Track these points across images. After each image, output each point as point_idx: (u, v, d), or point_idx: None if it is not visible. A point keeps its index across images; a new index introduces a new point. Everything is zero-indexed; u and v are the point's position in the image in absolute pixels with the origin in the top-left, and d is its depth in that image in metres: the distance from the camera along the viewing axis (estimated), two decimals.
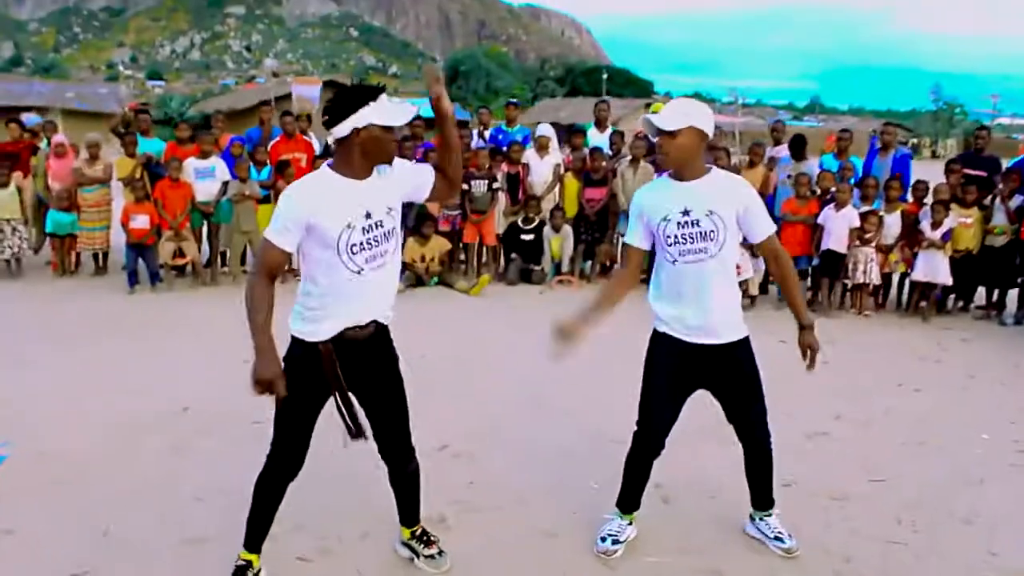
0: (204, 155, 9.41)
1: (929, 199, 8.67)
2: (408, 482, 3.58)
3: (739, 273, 8.19)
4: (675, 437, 3.96)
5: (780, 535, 3.88)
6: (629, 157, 9.62)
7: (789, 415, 5.63)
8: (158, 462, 4.72)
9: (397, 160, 3.18)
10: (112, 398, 5.73)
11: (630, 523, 3.91)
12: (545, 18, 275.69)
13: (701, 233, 3.46)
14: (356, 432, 3.26)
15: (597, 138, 10.35)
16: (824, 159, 9.40)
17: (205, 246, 9.85)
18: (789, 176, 9.01)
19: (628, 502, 3.90)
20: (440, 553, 3.63)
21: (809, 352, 3.86)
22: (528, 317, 8.40)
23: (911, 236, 8.53)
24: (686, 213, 3.44)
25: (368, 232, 3.06)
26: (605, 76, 75.04)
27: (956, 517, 4.22)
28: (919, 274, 8.47)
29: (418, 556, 3.63)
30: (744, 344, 3.72)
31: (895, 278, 9.01)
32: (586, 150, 10.00)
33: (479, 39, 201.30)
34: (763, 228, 3.57)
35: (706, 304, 3.58)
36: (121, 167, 9.56)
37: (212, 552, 3.70)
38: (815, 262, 8.71)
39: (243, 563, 3.40)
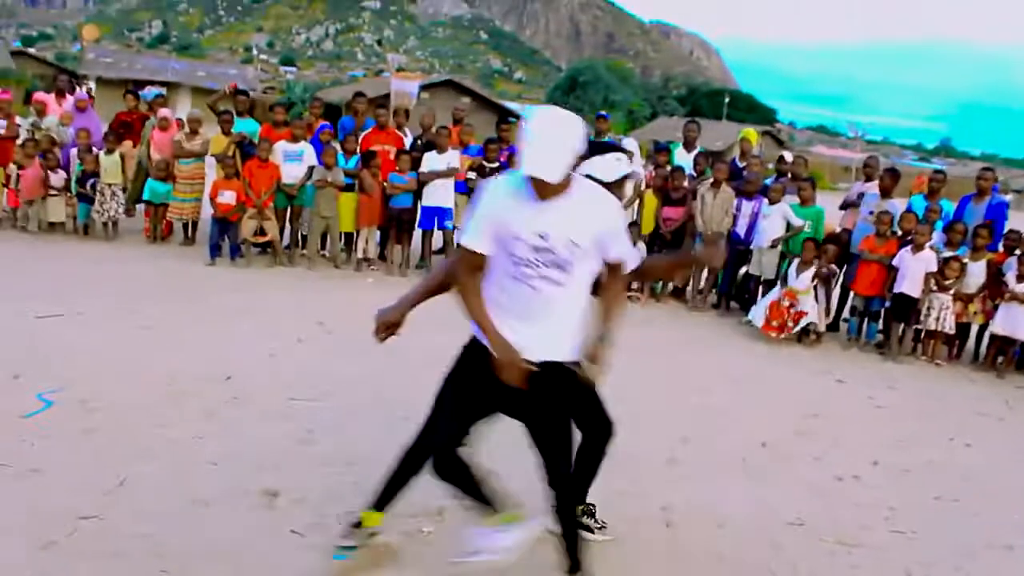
0: (295, 139, 9.72)
1: (1019, 250, 8.27)
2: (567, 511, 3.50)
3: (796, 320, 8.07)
4: (695, 463, 3.91)
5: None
6: (711, 180, 9.49)
7: (823, 455, 5.52)
8: (187, 424, 4.92)
9: (613, 209, 3.18)
10: (162, 359, 6.00)
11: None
12: (675, 36, 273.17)
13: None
14: None
15: (683, 158, 10.25)
16: (913, 200, 9.08)
17: (288, 227, 10.17)
18: (871, 212, 8.74)
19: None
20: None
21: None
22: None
23: (994, 287, 8.16)
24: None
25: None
26: (727, 100, 73.97)
27: None
28: (998, 327, 8.10)
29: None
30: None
31: (974, 329, 8.62)
32: (668, 168, 9.92)
33: (607, 52, 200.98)
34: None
35: None
36: (216, 143, 9.97)
37: (214, 515, 3.86)
38: (887, 304, 8.42)
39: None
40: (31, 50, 68.25)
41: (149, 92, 12.51)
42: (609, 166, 3.46)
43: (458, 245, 3.16)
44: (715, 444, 5.50)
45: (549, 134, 2.90)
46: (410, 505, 4.10)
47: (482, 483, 3.35)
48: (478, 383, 3.21)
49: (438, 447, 3.31)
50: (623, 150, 3.52)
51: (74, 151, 10.28)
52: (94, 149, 10.19)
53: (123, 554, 3.50)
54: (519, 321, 3.11)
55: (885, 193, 8.94)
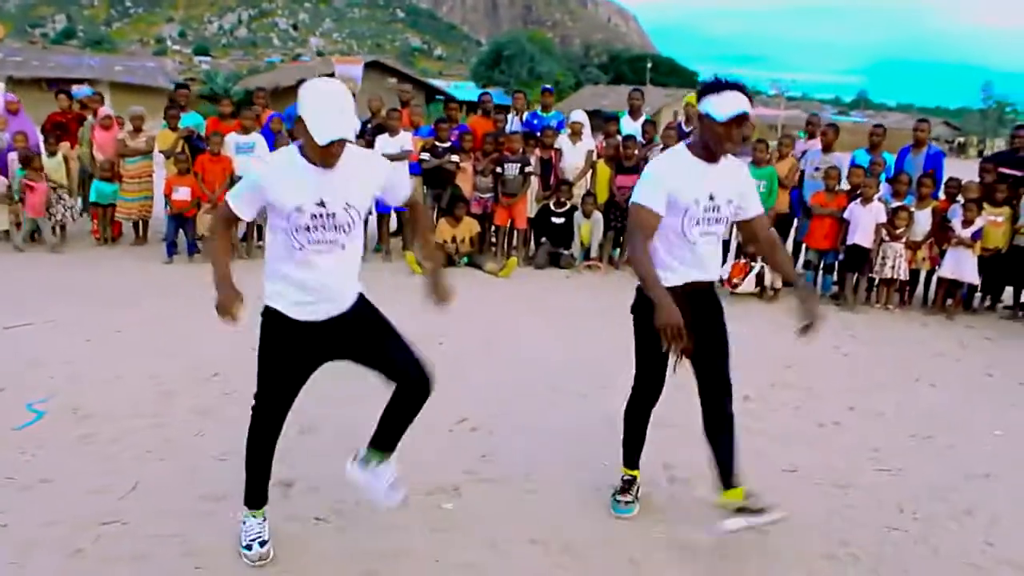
0: (245, 131, 9.62)
1: (961, 197, 8.64)
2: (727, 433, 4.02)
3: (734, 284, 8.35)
4: (685, 422, 4.07)
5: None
6: (661, 146, 9.68)
7: (802, 404, 5.76)
8: (186, 423, 4.93)
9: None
10: (144, 361, 5.96)
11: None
12: (592, 5, 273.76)
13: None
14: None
15: (630, 126, 10.42)
16: (856, 154, 9.40)
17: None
18: (818, 169, 9.04)
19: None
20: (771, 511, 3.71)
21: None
22: (553, 301, 8.54)
23: (940, 233, 8.52)
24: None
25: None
26: (649, 65, 74.68)
27: (958, 508, 4.30)
28: (946, 272, 8.47)
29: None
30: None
31: (922, 275, 8.99)
32: (619, 138, 10.08)
33: (525, 24, 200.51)
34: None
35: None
36: (162, 140, 9.81)
37: (233, 509, 3.89)
38: (841, 256, 8.74)
39: None
40: None
41: (81, 91, 12.24)
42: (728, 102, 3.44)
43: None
44: (699, 402, 5.67)
45: (336, 100, 3.12)
46: (427, 484, 4.24)
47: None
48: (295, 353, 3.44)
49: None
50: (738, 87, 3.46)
51: (12, 155, 10.02)
52: (40, 153, 9.95)
53: (153, 555, 3.52)
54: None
55: (827, 148, 9.26)
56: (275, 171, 3.27)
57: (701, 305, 3.75)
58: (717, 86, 3.45)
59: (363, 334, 3.46)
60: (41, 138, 10.61)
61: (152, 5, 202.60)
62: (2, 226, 9.95)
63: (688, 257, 3.64)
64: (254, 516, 3.59)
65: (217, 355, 6.14)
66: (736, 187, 3.66)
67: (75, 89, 12.43)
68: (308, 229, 3.23)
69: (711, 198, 3.54)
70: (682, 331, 3.35)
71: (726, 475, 3.81)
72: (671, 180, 3.51)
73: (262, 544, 3.51)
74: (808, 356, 6.95)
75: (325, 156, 3.14)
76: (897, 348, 7.36)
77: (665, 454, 4.72)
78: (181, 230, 9.40)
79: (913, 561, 3.77)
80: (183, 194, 9.25)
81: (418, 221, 3.96)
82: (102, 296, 7.77)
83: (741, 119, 3.41)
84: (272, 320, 3.39)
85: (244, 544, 3.52)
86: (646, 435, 4.06)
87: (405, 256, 9.65)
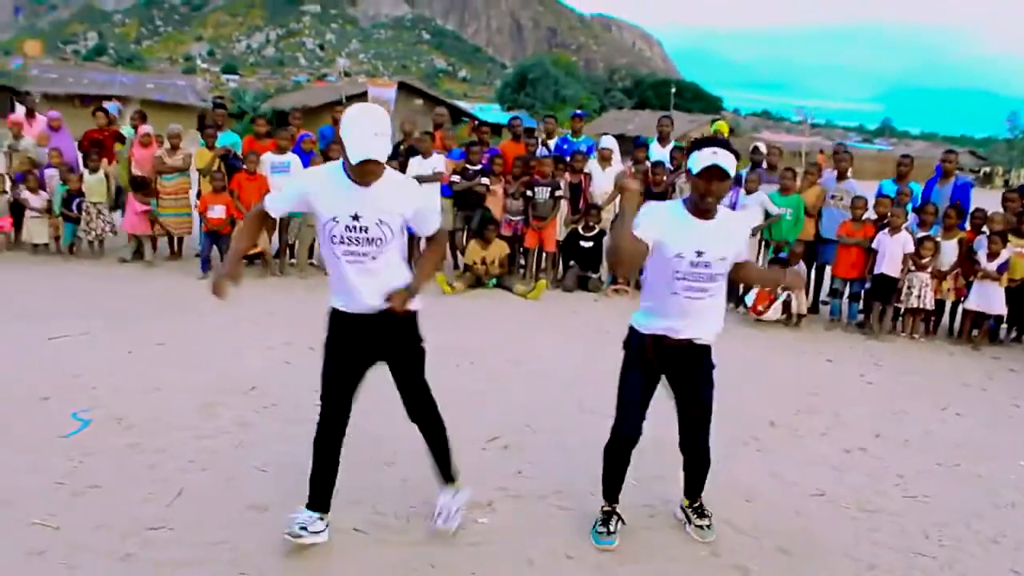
0: (280, 150, 9.82)
1: (987, 228, 8.69)
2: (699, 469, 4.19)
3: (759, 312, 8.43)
4: (711, 443, 4.15)
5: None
6: None
7: (828, 430, 5.83)
8: (226, 434, 5.06)
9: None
10: (182, 373, 6.11)
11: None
12: (616, 29, 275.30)
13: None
14: None
15: (659, 152, 10.54)
16: (883, 184, 9.48)
17: (276, 238, 10.26)
18: (833, 196, 9.15)
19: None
20: (709, 527, 4.12)
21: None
22: (581, 323, 8.64)
23: (966, 264, 8.56)
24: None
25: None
26: (673, 90, 74.87)
27: (983, 536, 4.36)
28: (972, 304, 8.51)
29: (690, 523, 4.17)
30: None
31: (948, 305, 9.03)
32: (648, 163, 10.20)
33: (549, 47, 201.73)
34: None
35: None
36: (200, 157, 10.03)
37: (276, 519, 4.01)
38: (867, 285, 8.80)
39: None
40: None
41: (110, 107, 12.52)
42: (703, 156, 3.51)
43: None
44: (725, 427, 5.70)
45: (372, 124, 3.41)
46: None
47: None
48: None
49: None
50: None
51: (52, 171, 10.28)
52: (79, 169, 10.19)
53: (201, 562, 3.65)
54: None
55: (842, 175, 9.38)
56: (319, 180, 3.64)
57: (687, 362, 3.88)
58: (702, 143, 3.57)
59: (398, 352, 3.83)
60: (80, 155, 10.85)
61: (182, 24, 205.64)
62: (42, 239, 10.20)
63: (672, 310, 3.71)
64: (310, 511, 3.81)
65: (253, 369, 6.29)
66: (732, 244, 3.71)
67: (106, 105, 12.75)
68: (342, 241, 3.55)
69: (699, 254, 3.59)
70: (637, 190, 3.41)
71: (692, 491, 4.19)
72: (662, 226, 3.54)
73: (302, 528, 3.73)
74: (834, 383, 7.04)
75: (360, 175, 3.45)
76: (923, 377, 7.40)
77: None
78: (215, 246, 9.59)
79: None
80: (218, 212, 9.44)
81: (431, 252, 4.00)
82: (138, 308, 7.96)
83: (712, 171, 3.46)
84: (329, 316, 3.80)
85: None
86: (626, 472, 4.07)
87: (435, 277, 9.80)
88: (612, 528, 4.05)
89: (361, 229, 3.54)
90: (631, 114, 60.49)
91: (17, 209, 10.24)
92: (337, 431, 3.81)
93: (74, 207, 10.03)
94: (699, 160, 3.48)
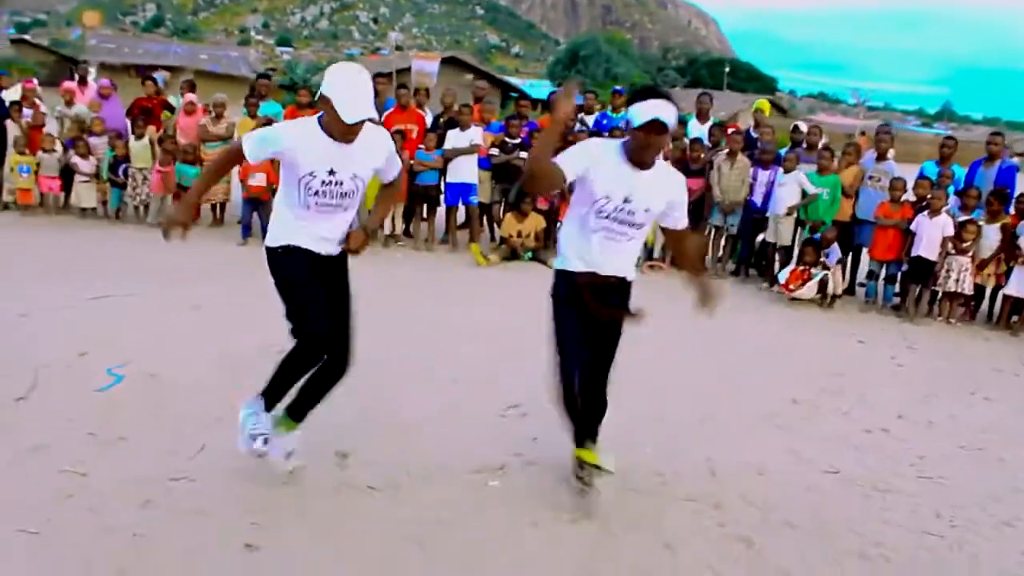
0: None
1: None
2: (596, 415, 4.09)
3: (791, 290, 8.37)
4: (732, 420, 4.17)
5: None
6: (727, 150, 9.73)
7: (851, 410, 5.81)
8: (252, 393, 5.18)
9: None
10: (216, 335, 6.28)
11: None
12: (672, 7, 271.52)
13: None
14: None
15: (697, 129, 10.48)
16: (925, 166, 9.32)
17: None
18: (871, 177, 9.03)
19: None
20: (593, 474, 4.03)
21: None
22: None
23: (1009, 250, 8.41)
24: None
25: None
26: (727, 70, 73.94)
27: (997, 519, 4.33)
28: (1012, 289, 8.36)
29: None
30: None
31: (988, 290, 8.88)
32: (686, 140, 10.15)
33: (604, 24, 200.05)
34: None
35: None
36: (242, 127, 10.20)
37: (293, 475, 4.14)
38: (904, 267, 8.68)
39: None
40: (27, 37, 68.15)
41: (157, 76, 12.75)
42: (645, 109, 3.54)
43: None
44: (747, 403, 5.79)
45: (363, 83, 3.57)
46: (473, 462, 4.44)
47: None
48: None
49: None
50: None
51: (96, 139, 10.50)
52: (127, 135, 10.43)
53: (216, 511, 3.78)
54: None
55: (882, 156, 9.25)
56: (298, 133, 3.70)
57: (617, 298, 3.98)
58: (643, 94, 3.58)
59: (334, 286, 3.97)
60: (128, 122, 11.09)
61: None
62: (90, 203, 10.48)
63: (587, 250, 3.82)
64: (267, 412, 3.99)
65: (284, 334, 6.40)
66: (663, 197, 3.76)
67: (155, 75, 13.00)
68: (316, 194, 3.68)
69: (626, 200, 3.67)
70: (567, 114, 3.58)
71: (582, 437, 4.07)
72: (591, 165, 3.63)
73: (266, 441, 3.90)
74: (862, 364, 7.00)
75: (347, 133, 3.57)
76: (955, 361, 7.31)
77: (707, 447, 4.86)
78: (256, 213, 9.77)
79: (946, 566, 3.83)
80: (259, 180, 9.61)
81: (388, 195, 4.19)
82: (178, 272, 8.15)
83: (653, 125, 3.48)
84: (283, 252, 3.83)
85: (249, 434, 3.92)
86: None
87: (470, 248, 9.88)
88: (587, 480, 4.05)
89: (336, 183, 3.69)
90: (683, 92, 59.39)
91: (67, 173, 10.51)
92: (326, 350, 3.91)
93: (120, 172, 10.27)
94: (641, 113, 3.50)
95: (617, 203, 3.67)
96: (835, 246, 8.75)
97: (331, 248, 3.86)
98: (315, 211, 3.73)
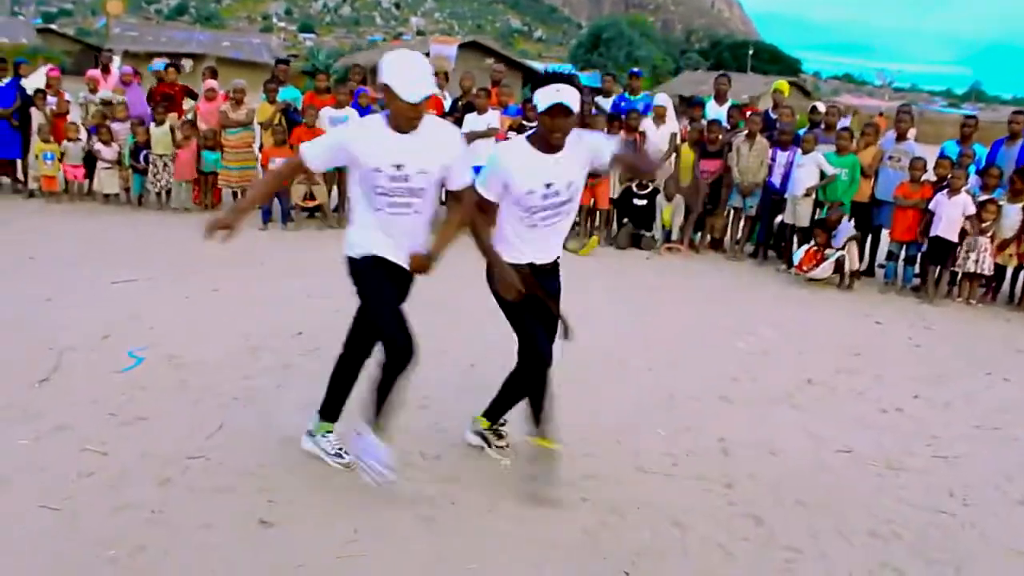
0: (339, 105, 10.01)
1: None
2: (539, 387, 4.05)
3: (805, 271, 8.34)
4: (746, 400, 4.19)
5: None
6: (746, 131, 9.69)
7: (867, 390, 5.80)
8: (269, 375, 5.29)
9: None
10: (236, 318, 6.37)
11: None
12: None
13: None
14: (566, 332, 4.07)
15: (715, 111, 10.43)
16: (945, 145, 9.23)
17: (335, 191, 10.49)
18: (891, 157, 8.96)
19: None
20: (507, 446, 4.19)
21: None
22: (632, 280, 8.68)
23: None
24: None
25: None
26: (751, 52, 73.26)
27: (1011, 498, 4.32)
28: None
29: (489, 445, 4.24)
30: None
31: (1009, 271, 8.79)
32: (704, 122, 10.11)
33: (626, 7, 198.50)
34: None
35: None
36: (261, 112, 10.27)
37: (307, 454, 4.21)
38: (924, 247, 8.63)
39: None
40: (54, 26, 68.76)
41: (157, 64, 12.87)
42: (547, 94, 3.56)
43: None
44: (763, 382, 5.80)
45: (418, 63, 3.51)
46: None
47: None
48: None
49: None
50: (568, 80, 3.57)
51: (118, 126, 10.61)
52: (149, 122, 10.54)
53: (232, 488, 3.86)
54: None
55: (901, 136, 9.17)
56: (360, 131, 3.68)
57: (551, 280, 4.07)
58: (545, 80, 3.59)
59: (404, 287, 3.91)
60: (149, 108, 11.19)
61: None
62: (113, 189, 10.61)
63: (531, 239, 3.84)
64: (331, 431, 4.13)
65: (302, 316, 6.51)
66: (579, 165, 3.80)
67: (153, 63, 13.16)
68: (385, 193, 3.60)
69: (548, 186, 3.71)
70: (521, 292, 3.70)
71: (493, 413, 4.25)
72: (508, 169, 3.68)
73: (346, 453, 4.04)
74: (880, 345, 6.98)
75: (414, 116, 3.50)
76: (974, 342, 7.26)
77: (720, 427, 4.88)
78: (276, 199, 9.85)
79: (956, 543, 3.83)
80: (279, 165, 9.66)
81: (455, 213, 3.86)
82: (199, 257, 8.23)
83: (556, 109, 3.51)
84: (362, 262, 3.76)
85: (333, 452, 4.10)
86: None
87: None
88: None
89: (403, 178, 3.60)
90: (705, 75, 59.28)
91: (90, 160, 10.64)
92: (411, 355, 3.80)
93: (141, 159, 10.38)
94: (543, 98, 3.54)
95: (542, 192, 3.72)
96: (846, 225, 8.70)
97: (406, 257, 3.79)
98: (387, 213, 3.66)
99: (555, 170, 3.72)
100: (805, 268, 8.62)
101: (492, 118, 9.95)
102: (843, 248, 8.54)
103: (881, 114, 10.08)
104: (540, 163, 3.71)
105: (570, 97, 3.52)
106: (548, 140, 3.66)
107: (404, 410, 4.33)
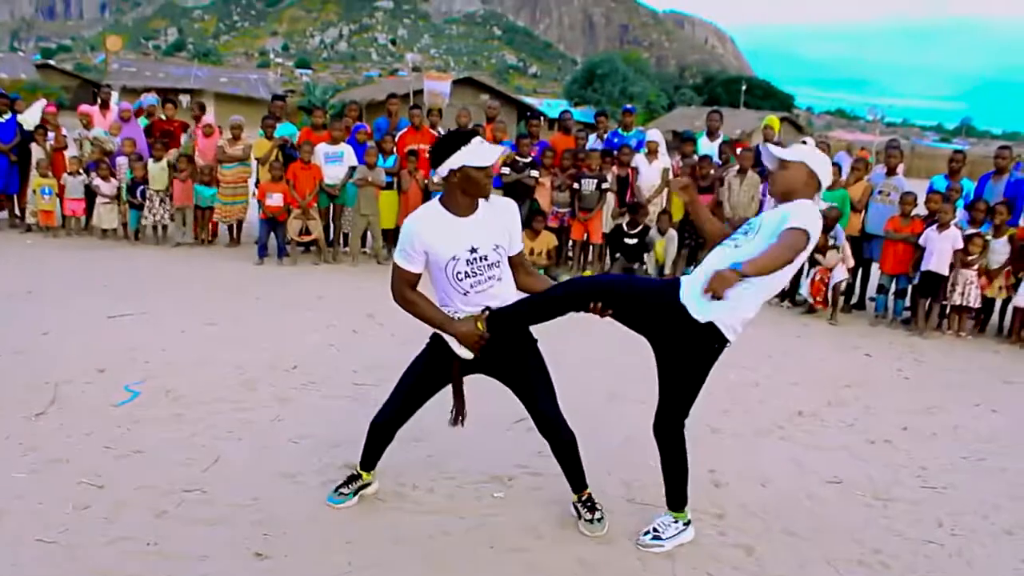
0: (334, 141, 10.13)
1: None
2: (563, 451, 4.03)
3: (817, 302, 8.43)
4: (736, 432, 4.24)
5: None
6: (737, 167, 9.82)
7: (856, 422, 5.86)
8: (264, 408, 5.33)
9: (511, 208, 3.77)
10: (232, 352, 6.41)
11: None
12: (689, 26, 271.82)
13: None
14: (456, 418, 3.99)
15: (707, 147, 10.58)
16: (934, 180, 9.38)
17: (331, 226, 10.59)
18: (880, 192, 9.10)
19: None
20: (600, 519, 4.02)
21: None
22: None
23: (1018, 262, 8.43)
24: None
25: (472, 264, 3.61)
26: (744, 87, 73.95)
27: (998, 527, 4.37)
28: (1021, 301, 8.38)
29: (580, 518, 4.07)
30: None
31: (998, 303, 8.89)
32: (695, 157, 10.25)
33: (621, 43, 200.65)
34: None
35: None
36: (258, 148, 10.40)
37: (302, 487, 4.26)
38: (915, 281, 8.72)
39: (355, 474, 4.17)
40: (52, 62, 69.31)
41: (146, 99, 12.99)
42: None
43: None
44: (753, 414, 5.85)
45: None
46: (479, 474, 4.54)
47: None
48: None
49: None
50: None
51: (121, 160, 10.73)
52: (143, 157, 10.65)
53: (228, 520, 3.90)
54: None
55: (891, 171, 9.32)
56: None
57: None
58: (465, 137, 3.57)
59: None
60: (147, 144, 11.30)
61: (257, 20, 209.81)
62: (111, 224, 10.70)
63: (463, 304, 3.70)
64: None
65: (297, 349, 6.57)
66: (499, 231, 3.70)
67: (141, 98, 13.28)
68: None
69: (472, 251, 3.61)
70: (484, 337, 3.66)
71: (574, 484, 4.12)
72: (425, 241, 3.58)
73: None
74: (869, 377, 7.04)
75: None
76: (963, 374, 7.33)
77: (711, 459, 4.93)
78: (273, 233, 9.94)
79: (944, 573, 3.88)
80: (276, 200, 9.79)
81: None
82: (196, 291, 8.33)
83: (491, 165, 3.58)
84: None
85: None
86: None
87: None
88: (351, 491, 4.16)
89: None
90: (698, 111, 59.88)
91: (89, 195, 10.74)
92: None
93: (138, 194, 10.48)
94: (485, 153, 3.57)
95: (467, 256, 3.61)
96: (840, 227, 8.87)
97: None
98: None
99: (477, 233, 3.63)
100: (817, 299, 8.80)
101: None
102: (838, 247, 8.74)
103: (862, 148, 10.20)
104: (457, 228, 3.61)
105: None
106: (474, 194, 3.61)
107: (398, 444, 4.40)
